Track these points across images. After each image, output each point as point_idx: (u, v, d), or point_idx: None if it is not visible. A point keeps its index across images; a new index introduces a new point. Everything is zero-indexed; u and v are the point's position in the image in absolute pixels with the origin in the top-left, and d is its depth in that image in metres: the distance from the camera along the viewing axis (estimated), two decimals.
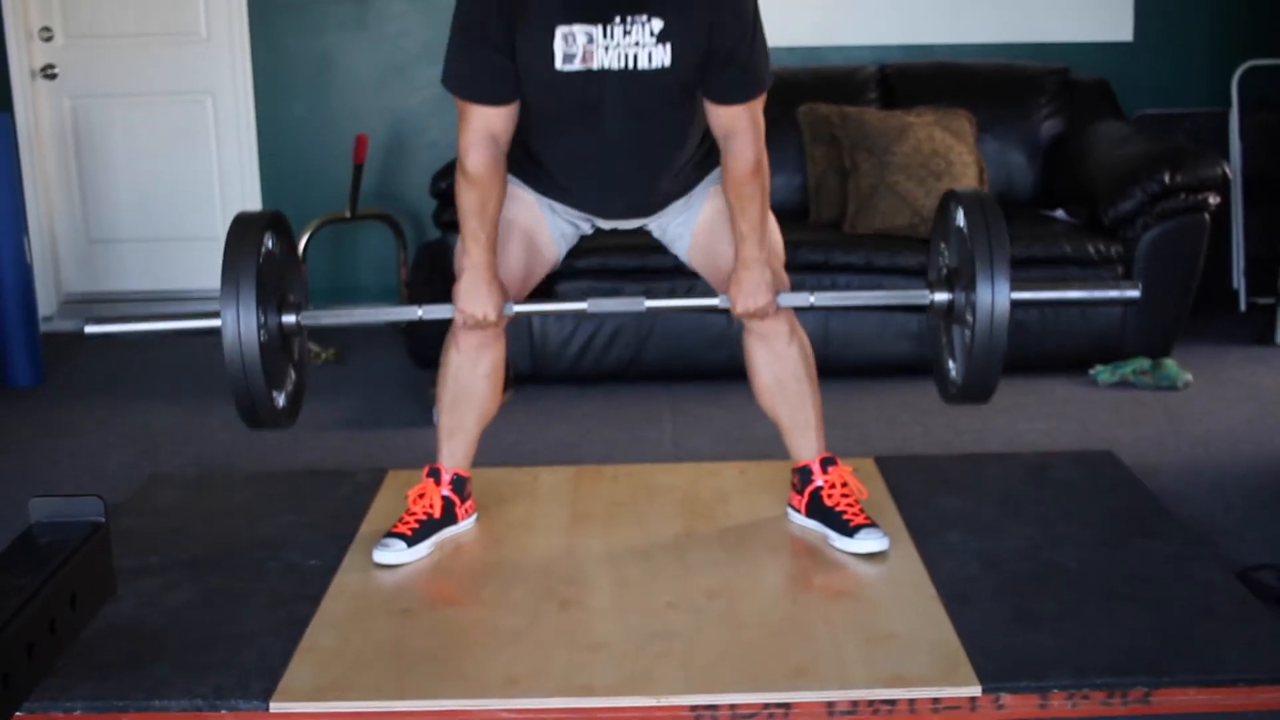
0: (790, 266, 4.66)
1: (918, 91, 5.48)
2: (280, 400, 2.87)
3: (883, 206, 5.00)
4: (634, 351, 4.90)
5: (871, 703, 2.42)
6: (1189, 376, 4.78)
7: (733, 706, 2.41)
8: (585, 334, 4.86)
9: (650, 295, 4.77)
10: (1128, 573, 2.89)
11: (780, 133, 5.36)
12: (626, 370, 4.93)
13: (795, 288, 3.04)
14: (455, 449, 3.11)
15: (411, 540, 3.02)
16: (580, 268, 4.74)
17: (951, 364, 2.96)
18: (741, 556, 3.03)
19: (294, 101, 5.97)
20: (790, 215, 5.24)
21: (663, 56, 2.66)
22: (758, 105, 2.77)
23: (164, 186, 6.09)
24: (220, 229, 6.03)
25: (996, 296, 2.71)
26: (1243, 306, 5.65)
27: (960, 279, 2.85)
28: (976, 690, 2.42)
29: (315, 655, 2.59)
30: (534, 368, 4.89)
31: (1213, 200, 4.87)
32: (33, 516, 2.64)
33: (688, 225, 3.01)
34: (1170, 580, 2.85)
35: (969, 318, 2.78)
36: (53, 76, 5.98)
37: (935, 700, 2.42)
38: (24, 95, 5.93)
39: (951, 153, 5.05)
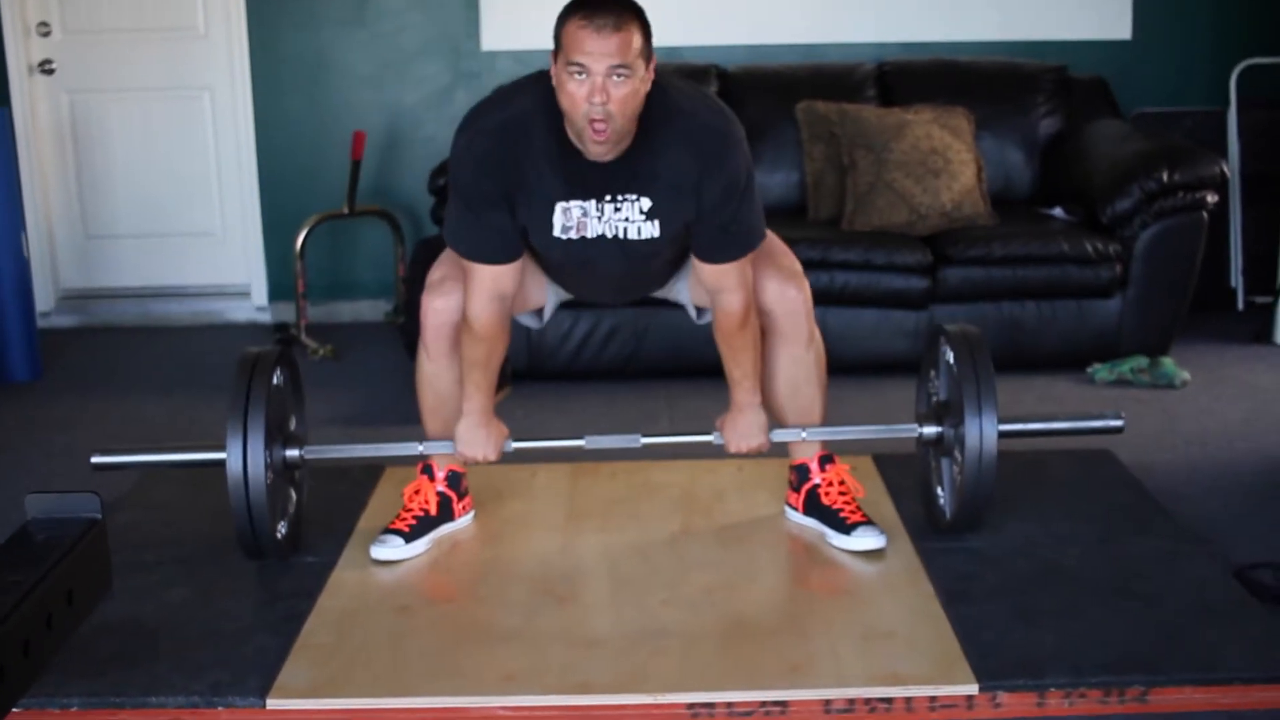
0: None
1: (916, 89, 5.48)
2: (282, 530, 2.94)
3: (881, 204, 5.00)
4: (632, 348, 4.89)
5: (868, 701, 2.42)
6: (1187, 375, 4.78)
7: (729, 704, 2.41)
8: (583, 331, 4.86)
9: (644, 311, 4.80)
10: (1125, 571, 2.89)
11: (778, 130, 5.36)
12: (624, 367, 4.93)
13: (788, 440, 3.10)
14: (446, 448, 3.11)
15: (409, 537, 3.03)
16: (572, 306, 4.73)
17: (940, 493, 3.08)
18: (738, 554, 3.03)
19: (292, 97, 5.96)
20: (788, 212, 5.24)
21: (651, 230, 2.75)
22: (745, 265, 2.83)
23: (162, 182, 6.08)
24: (218, 224, 6.07)
25: (985, 433, 2.84)
26: (1240, 305, 5.65)
27: (949, 413, 2.97)
28: (974, 689, 2.43)
29: (312, 652, 2.59)
30: (531, 364, 4.88)
31: (1211, 199, 4.87)
32: (29, 513, 2.63)
33: (685, 285, 3.09)
34: (1167, 579, 2.85)
35: (957, 454, 2.91)
36: (50, 72, 5.97)
37: (932, 699, 2.42)
38: (21, 90, 5.92)
39: (949, 150, 5.05)
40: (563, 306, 3.21)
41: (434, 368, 3.03)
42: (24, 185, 5.67)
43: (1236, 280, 5.65)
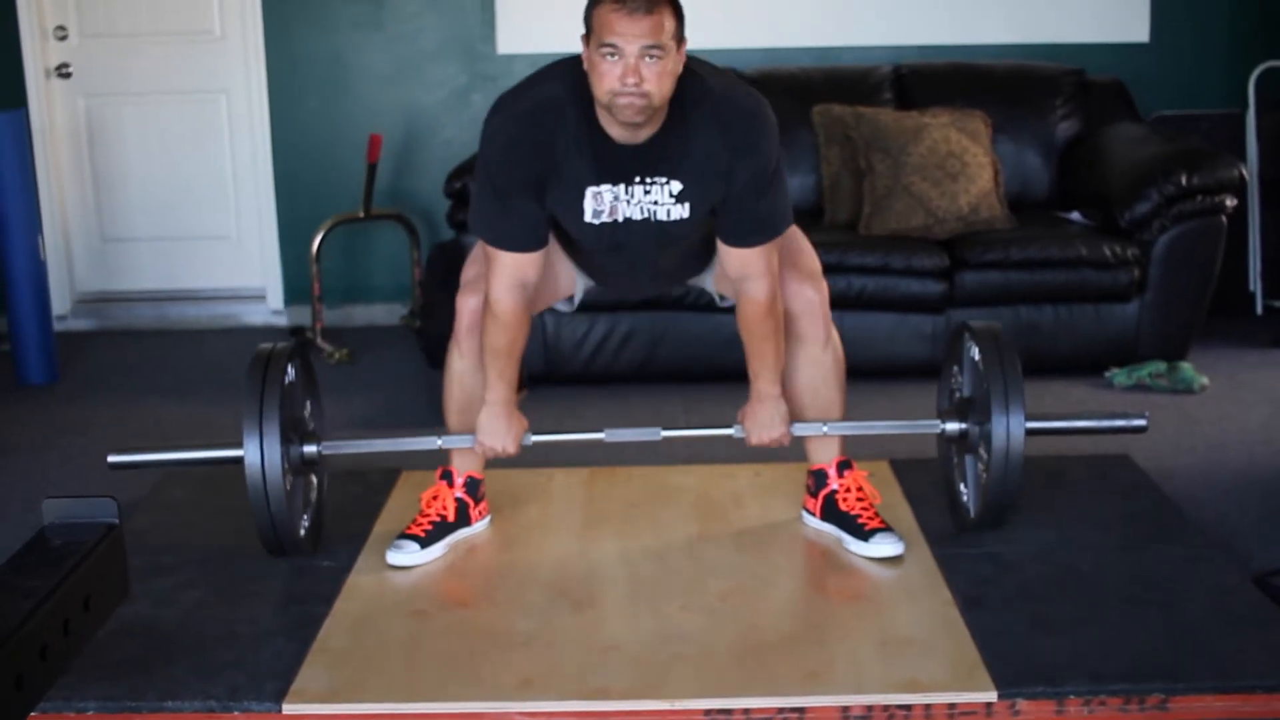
0: None
1: (933, 92, 5.47)
2: (304, 526, 2.93)
3: (898, 207, 4.98)
4: (648, 352, 4.89)
5: (886, 708, 2.41)
6: (1205, 380, 4.76)
7: (746, 710, 2.41)
8: (599, 335, 4.85)
9: (664, 298, 4.80)
10: (1144, 577, 2.88)
11: (795, 133, 5.34)
12: (640, 371, 4.92)
13: (809, 435, 3.08)
14: (467, 452, 3.10)
15: (425, 542, 3.02)
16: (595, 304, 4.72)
17: (964, 489, 3.06)
18: (755, 559, 3.02)
19: (308, 100, 5.97)
20: (805, 216, 5.23)
21: (681, 212, 2.75)
22: (772, 248, 2.81)
23: (178, 185, 6.09)
24: (234, 228, 6.08)
25: (1012, 431, 2.82)
26: (1259, 309, 5.62)
27: (974, 410, 2.96)
28: (992, 696, 2.41)
29: (328, 656, 2.59)
30: (547, 368, 4.88)
31: (1230, 202, 4.85)
32: (46, 518, 2.63)
33: (710, 275, 3.08)
34: (1187, 585, 2.83)
35: (983, 451, 2.90)
36: (67, 75, 5.99)
37: (951, 706, 2.41)
38: (39, 94, 5.93)
39: (967, 154, 5.04)
40: (581, 309, 3.21)
41: (464, 365, 3.03)
42: (40, 188, 5.68)
43: (1255, 284, 5.63)
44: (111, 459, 2.95)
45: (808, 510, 3.17)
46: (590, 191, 2.72)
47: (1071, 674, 2.46)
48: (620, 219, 2.75)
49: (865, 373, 4.89)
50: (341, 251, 5.98)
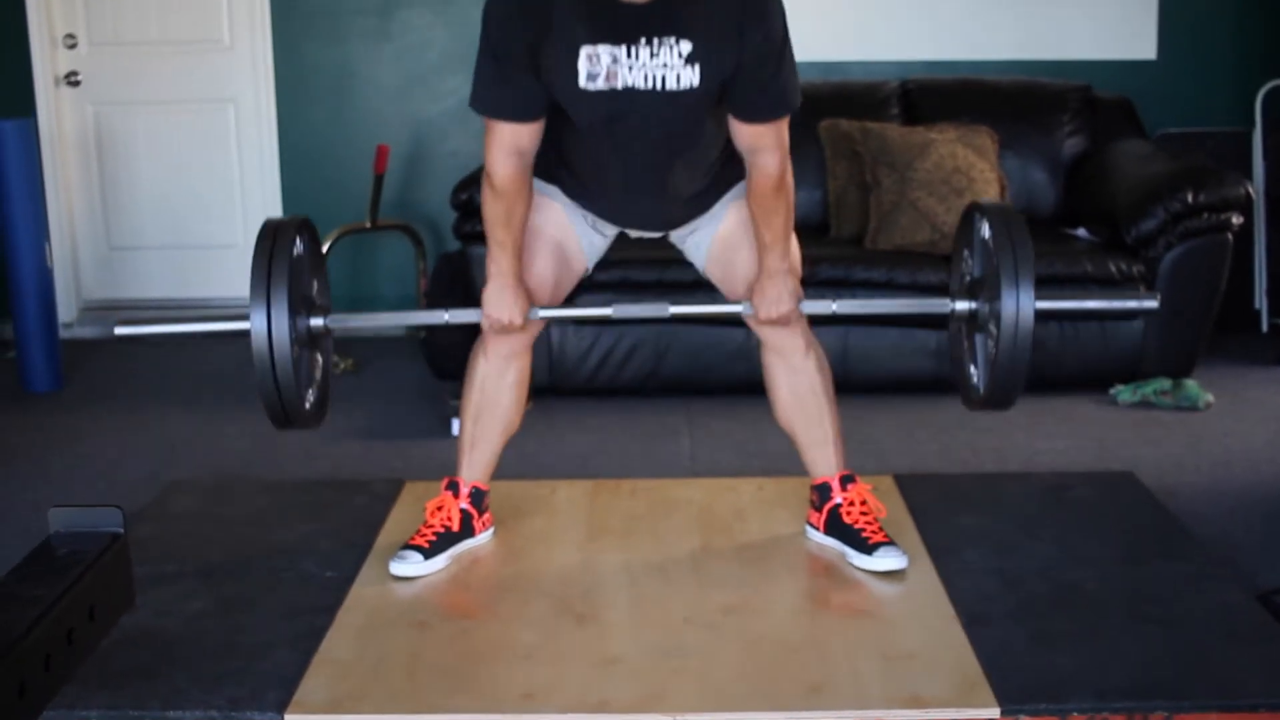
0: (810, 282, 4.68)
1: (940, 108, 5.47)
2: (309, 400, 2.88)
3: (904, 223, 4.99)
4: (652, 365, 4.89)
5: None
6: (1210, 397, 4.76)
7: None
8: (604, 347, 4.86)
9: (666, 327, 4.81)
10: (1148, 594, 2.87)
11: (801, 148, 5.31)
12: (644, 384, 4.92)
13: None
14: (476, 461, 3.10)
15: (428, 553, 3.02)
16: (601, 280, 4.71)
17: (974, 370, 2.96)
18: (759, 573, 3.02)
19: (316, 110, 5.98)
20: (811, 231, 5.24)
21: (691, 77, 2.66)
22: (784, 124, 2.77)
23: (185, 194, 6.11)
24: (241, 237, 6.09)
25: (1021, 306, 2.72)
26: (1264, 327, 5.62)
27: (984, 289, 2.86)
28: (995, 712, 2.41)
29: (330, 667, 2.59)
30: (552, 380, 4.88)
31: (1236, 220, 4.85)
32: (52, 526, 2.64)
33: (708, 235, 3.01)
34: (1191, 602, 2.83)
35: (992, 328, 2.79)
36: (76, 83, 6.00)
37: None
38: (47, 102, 5.95)
39: (973, 169, 5.04)
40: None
41: (488, 369, 3.03)
42: (48, 196, 5.70)
43: (1261, 302, 5.63)
44: (118, 330, 2.88)
45: (811, 524, 3.16)
46: (585, 52, 2.65)
47: (1075, 690, 2.46)
48: (620, 86, 2.67)
49: (870, 387, 4.90)
50: (348, 261, 5.99)
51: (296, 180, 5.98)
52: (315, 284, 2.96)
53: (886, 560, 2.97)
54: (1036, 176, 5.48)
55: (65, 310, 5.96)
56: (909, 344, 4.89)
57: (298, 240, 2.83)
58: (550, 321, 3.02)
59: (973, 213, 2.93)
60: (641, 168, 2.85)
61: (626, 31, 2.63)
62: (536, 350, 3.14)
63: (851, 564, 3.02)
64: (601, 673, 2.56)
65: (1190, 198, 4.80)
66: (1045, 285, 4.66)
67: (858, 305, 3.05)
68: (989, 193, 5.02)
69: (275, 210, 6.00)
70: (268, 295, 2.72)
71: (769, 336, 3.02)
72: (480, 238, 4.74)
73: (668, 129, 2.76)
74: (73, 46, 5.99)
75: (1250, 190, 4.89)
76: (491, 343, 3.01)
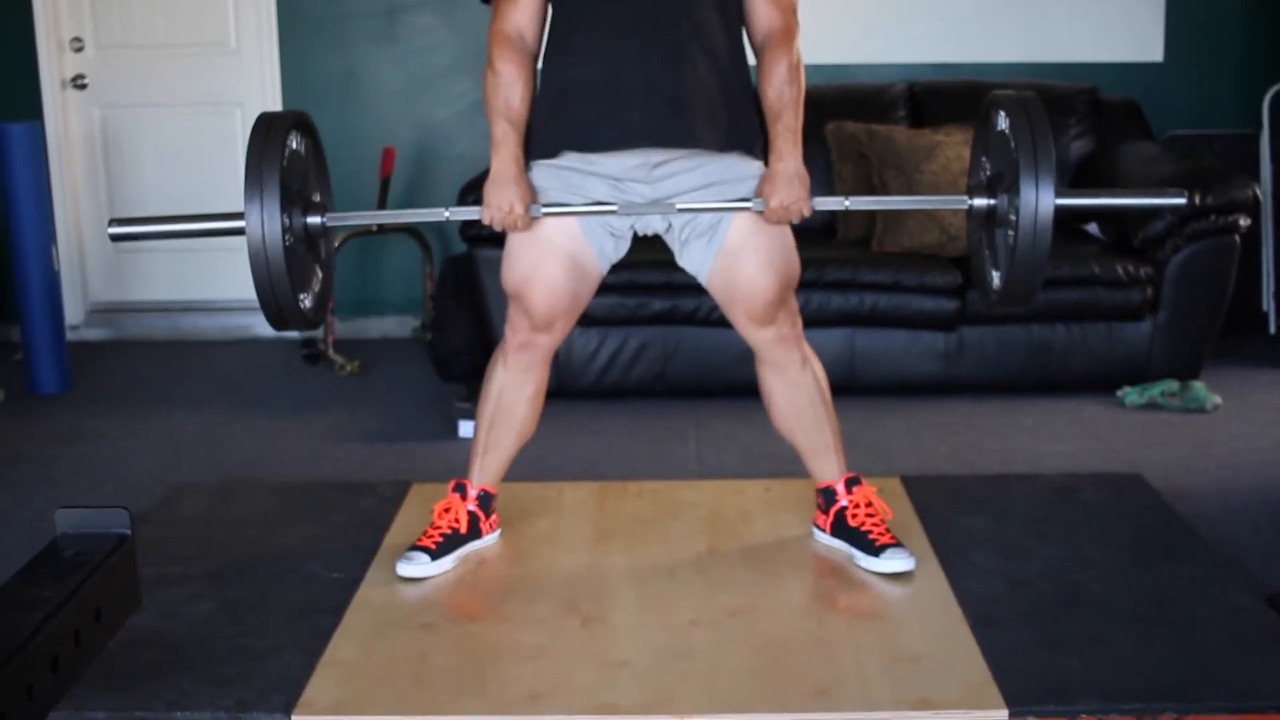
0: (817, 284, 4.69)
1: (946, 110, 5.47)
2: (306, 302, 2.83)
3: (911, 225, 4.98)
4: (659, 367, 4.89)
5: None
6: (1218, 399, 4.75)
7: None
8: (610, 349, 4.86)
9: (676, 313, 4.81)
10: (1156, 597, 2.86)
11: (808, 150, 5.30)
12: (651, 386, 4.92)
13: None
14: (488, 465, 3.10)
15: (435, 554, 3.02)
16: (609, 282, 4.67)
17: (994, 272, 2.87)
18: (765, 575, 3.01)
19: (322, 113, 5.92)
20: (818, 233, 5.23)
21: None
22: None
23: (192, 197, 6.10)
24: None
25: (1041, 198, 2.62)
26: (1272, 329, 5.61)
27: (1002, 183, 2.77)
28: (1003, 714, 2.40)
29: (337, 669, 2.59)
30: (558, 383, 4.87)
31: (1243, 222, 4.84)
32: (58, 527, 2.63)
33: (712, 248, 2.99)
34: (1198, 605, 2.82)
35: (1012, 218, 2.69)
36: (83, 86, 6.01)
37: None
38: (54, 105, 5.96)
39: None
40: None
41: (507, 379, 3.03)
42: (55, 199, 5.71)
43: (1268, 304, 5.62)
44: (111, 230, 2.81)
45: (818, 526, 3.16)
46: None
47: (1082, 693, 2.45)
48: None
49: (877, 390, 4.90)
50: (354, 264, 5.99)
51: None
52: (314, 181, 2.88)
53: (893, 562, 2.96)
54: None
55: (72, 312, 5.97)
56: (916, 346, 4.89)
57: (295, 134, 2.79)
58: (569, 323, 3.00)
59: (991, 107, 2.83)
60: (650, 35, 2.80)
61: None
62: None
63: (858, 566, 3.01)
64: (608, 675, 2.56)
65: (1198, 200, 4.79)
66: (1052, 288, 4.72)
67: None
68: None
69: None
70: (261, 193, 2.66)
71: (767, 352, 3.01)
72: (486, 241, 4.74)
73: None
74: (79, 50, 6.00)
75: (1257, 192, 4.88)
76: (512, 354, 3.01)
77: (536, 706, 2.45)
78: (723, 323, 4.77)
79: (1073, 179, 5.49)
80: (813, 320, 3.09)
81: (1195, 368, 4.93)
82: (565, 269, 2.95)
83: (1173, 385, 4.79)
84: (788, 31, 2.82)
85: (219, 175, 6.08)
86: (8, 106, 5.81)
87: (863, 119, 5.36)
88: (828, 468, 3.10)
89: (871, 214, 5.13)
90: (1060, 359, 4.87)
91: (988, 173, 2.86)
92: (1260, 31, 5.89)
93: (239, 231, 2.69)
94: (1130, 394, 4.81)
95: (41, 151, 5.13)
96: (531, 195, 2.86)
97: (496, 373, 3.05)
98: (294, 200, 2.74)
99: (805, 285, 2.91)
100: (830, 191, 5.35)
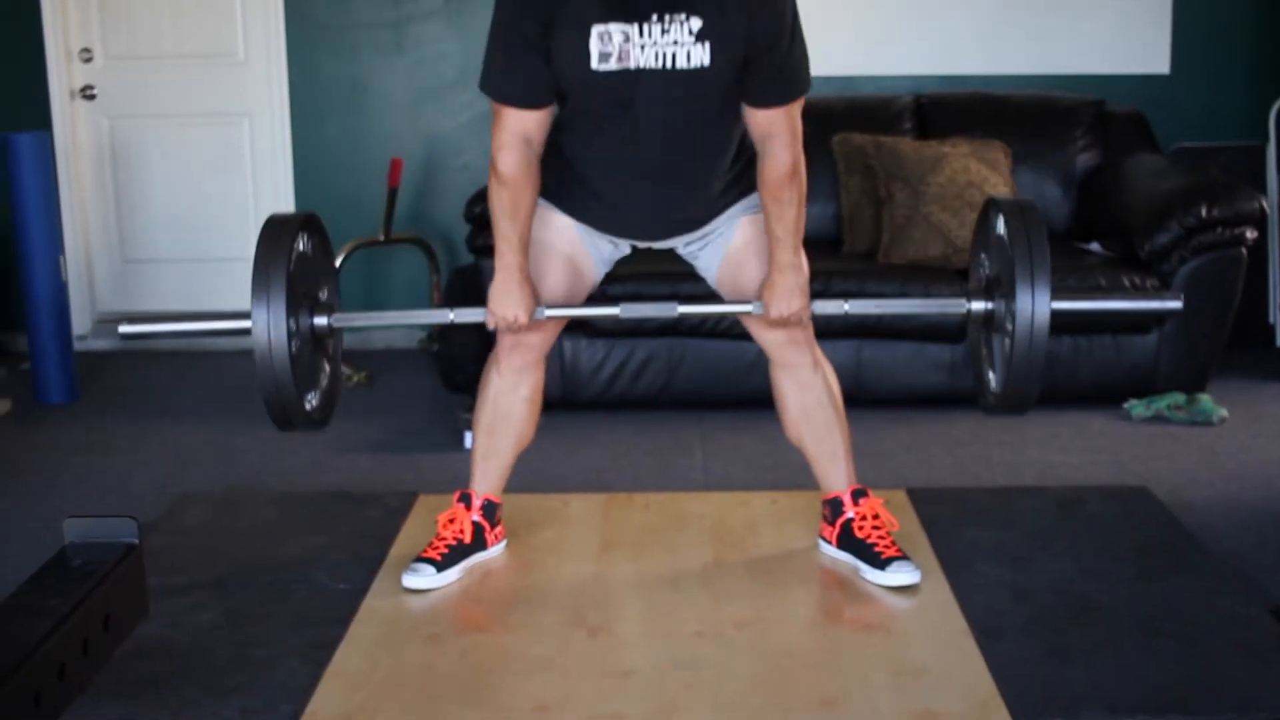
0: (823, 296, 4.67)
1: (953, 122, 5.47)
2: (312, 402, 2.86)
3: (917, 237, 4.99)
4: (665, 379, 4.89)
5: None
6: (1224, 412, 4.75)
7: None
8: (616, 361, 4.86)
9: (682, 325, 4.81)
10: (1162, 608, 2.86)
11: (814, 162, 5.31)
12: (657, 397, 4.92)
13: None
14: (489, 473, 3.11)
15: (441, 565, 3.02)
16: (614, 294, 4.73)
17: (991, 374, 2.92)
18: (771, 587, 3.01)
19: (330, 124, 6.00)
20: (824, 245, 5.23)
21: (702, 55, 2.66)
22: (795, 108, 2.77)
23: (200, 207, 6.12)
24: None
25: (1037, 305, 2.68)
26: (1279, 342, 5.61)
27: (1000, 287, 2.82)
28: None
29: (343, 679, 2.59)
30: (564, 394, 4.88)
31: (1250, 235, 4.84)
32: (67, 537, 2.65)
33: (721, 249, 3.00)
34: (1205, 617, 2.82)
35: (1009, 326, 2.74)
36: (92, 97, 6.03)
37: None
38: (63, 115, 5.98)
39: (986, 184, 5.04)
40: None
41: (501, 383, 3.04)
42: (63, 209, 5.72)
43: (1275, 317, 5.61)
44: (123, 330, 2.86)
45: (824, 538, 3.16)
46: (596, 30, 2.64)
47: (1088, 705, 2.45)
48: (632, 67, 2.66)
49: (883, 402, 4.90)
50: (361, 275, 6.00)
51: (310, 194, 6.00)
52: (321, 281, 2.93)
53: (899, 575, 2.96)
54: (1050, 190, 5.48)
55: (79, 323, 5.98)
56: (922, 358, 4.89)
57: (303, 236, 2.82)
58: (560, 323, 3.01)
59: (989, 209, 2.89)
60: (653, 160, 2.83)
61: (638, 8, 2.64)
62: (549, 363, 3.15)
63: (864, 578, 3.01)
64: (614, 685, 2.56)
65: (1204, 212, 4.79)
66: (1057, 298, 4.70)
67: (871, 305, 3.03)
68: None
69: None
70: (268, 295, 2.71)
71: (778, 353, 3.02)
72: (493, 252, 4.74)
73: (680, 114, 2.74)
74: (88, 60, 6.01)
75: (1264, 205, 4.88)
76: (504, 357, 3.01)
77: (542, 717, 2.45)
78: (728, 334, 4.79)
79: (1079, 191, 5.49)
80: (819, 331, 3.08)
81: (1202, 380, 4.92)
82: (561, 269, 2.97)
83: (1179, 398, 4.79)
84: (796, 168, 2.81)
85: (227, 185, 6.09)
86: (16, 117, 5.83)
87: (869, 131, 5.36)
88: (835, 475, 3.10)
89: (878, 225, 5.13)
90: (1066, 371, 4.87)
91: (986, 271, 2.91)
92: (1267, 44, 5.89)
93: (245, 332, 2.74)
94: (1137, 406, 4.81)
95: (50, 162, 5.14)
96: (534, 300, 2.89)
97: (491, 378, 3.06)
98: (300, 302, 2.78)
99: (811, 297, 2.90)
100: (834, 204, 5.36)
